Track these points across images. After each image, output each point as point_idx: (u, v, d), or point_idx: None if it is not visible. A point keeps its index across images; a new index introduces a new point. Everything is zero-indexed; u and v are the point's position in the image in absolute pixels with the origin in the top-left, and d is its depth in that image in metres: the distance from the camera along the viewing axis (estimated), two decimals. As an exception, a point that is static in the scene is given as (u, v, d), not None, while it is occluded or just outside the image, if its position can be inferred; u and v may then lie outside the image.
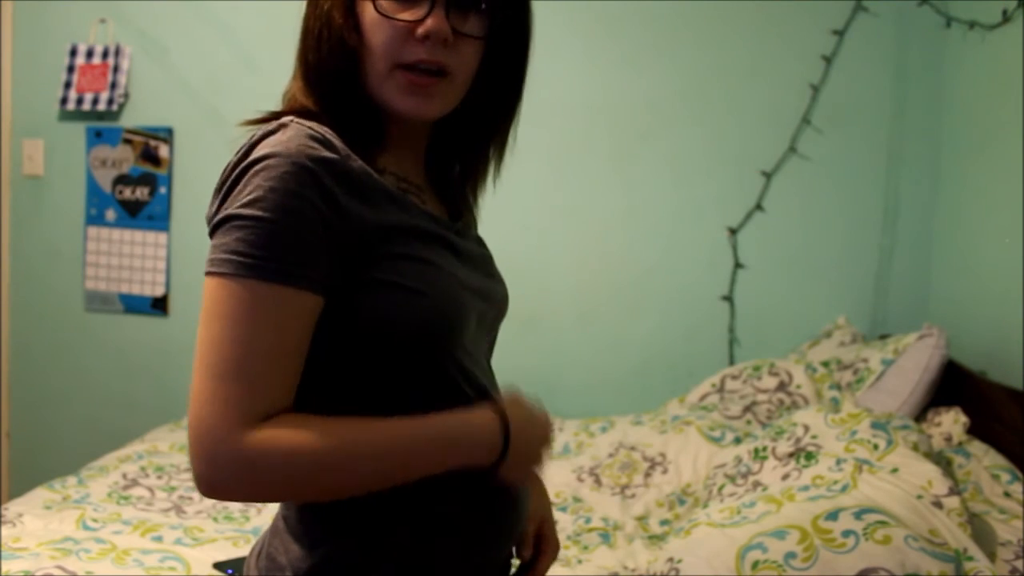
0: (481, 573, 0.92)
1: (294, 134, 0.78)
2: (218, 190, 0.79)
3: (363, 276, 0.79)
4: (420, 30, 0.82)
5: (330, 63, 0.85)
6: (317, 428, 0.76)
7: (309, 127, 0.79)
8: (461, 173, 1.00)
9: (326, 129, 0.81)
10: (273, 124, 0.80)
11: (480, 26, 0.87)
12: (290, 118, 0.81)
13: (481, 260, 0.97)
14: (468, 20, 0.85)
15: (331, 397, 0.82)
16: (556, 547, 1.05)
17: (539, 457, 0.89)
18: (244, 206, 0.75)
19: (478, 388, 0.89)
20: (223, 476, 0.74)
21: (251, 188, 0.76)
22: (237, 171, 0.78)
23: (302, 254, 0.75)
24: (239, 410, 0.73)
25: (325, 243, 0.77)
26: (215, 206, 0.79)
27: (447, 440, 0.81)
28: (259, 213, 0.75)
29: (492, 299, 0.95)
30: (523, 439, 0.85)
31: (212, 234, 0.78)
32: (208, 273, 0.76)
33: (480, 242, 1.02)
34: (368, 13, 0.84)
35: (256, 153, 0.77)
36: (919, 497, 1.50)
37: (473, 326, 0.89)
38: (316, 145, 0.78)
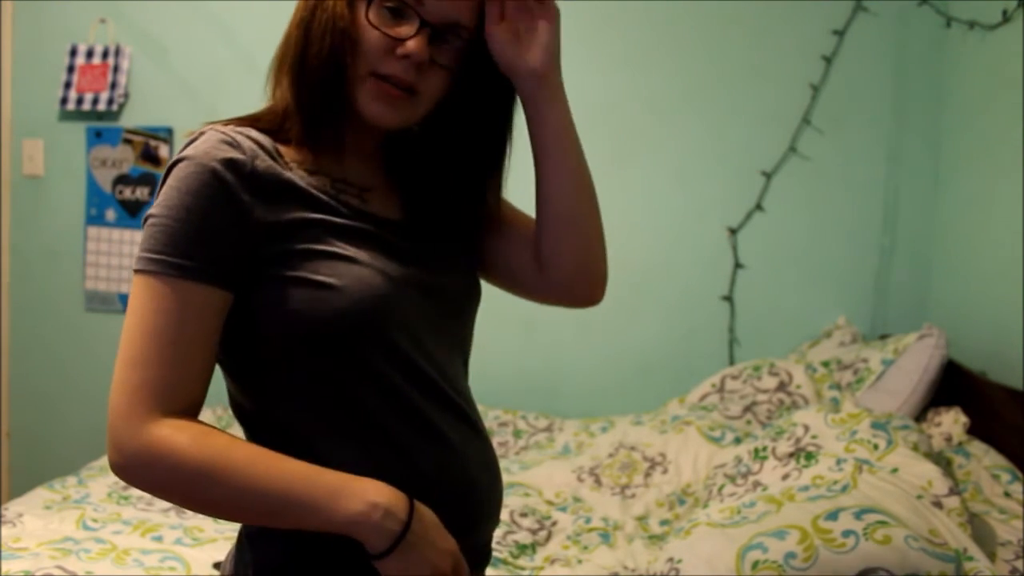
0: None
1: (207, 138, 0.84)
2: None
3: (275, 272, 0.84)
4: (401, 49, 0.87)
5: (330, 55, 0.87)
6: (214, 446, 0.80)
7: (223, 132, 0.85)
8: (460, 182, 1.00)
9: (245, 132, 0.86)
10: (196, 132, 0.86)
11: (453, 59, 0.91)
12: (213, 125, 0.86)
13: (429, 256, 0.95)
14: (444, 51, 0.90)
15: (268, 398, 0.88)
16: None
17: (434, 567, 0.83)
18: (155, 206, 0.83)
19: (424, 383, 0.90)
20: (126, 463, 0.80)
21: (163, 189, 0.83)
22: (163, 177, 0.85)
23: (201, 249, 0.81)
24: (142, 398, 0.79)
25: (227, 239, 0.82)
26: None
27: (336, 495, 0.80)
28: (163, 212, 0.82)
29: (436, 293, 0.94)
30: (424, 539, 0.82)
31: None
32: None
33: (444, 243, 0.99)
34: (361, 16, 0.88)
35: (173, 159, 0.85)
36: (919, 497, 1.50)
37: (412, 320, 0.90)
38: (223, 147, 0.83)
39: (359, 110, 0.90)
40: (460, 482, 0.92)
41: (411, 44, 0.87)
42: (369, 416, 0.88)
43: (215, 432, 0.81)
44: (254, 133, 0.87)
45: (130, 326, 0.81)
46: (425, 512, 0.84)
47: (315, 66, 0.88)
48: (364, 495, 0.81)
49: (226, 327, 0.85)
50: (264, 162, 0.85)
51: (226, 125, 0.87)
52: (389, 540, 0.80)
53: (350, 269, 0.85)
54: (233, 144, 0.84)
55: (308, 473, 0.81)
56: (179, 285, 0.80)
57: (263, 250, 0.84)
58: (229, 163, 0.82)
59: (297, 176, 0.87)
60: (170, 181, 0.82)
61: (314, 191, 0.88)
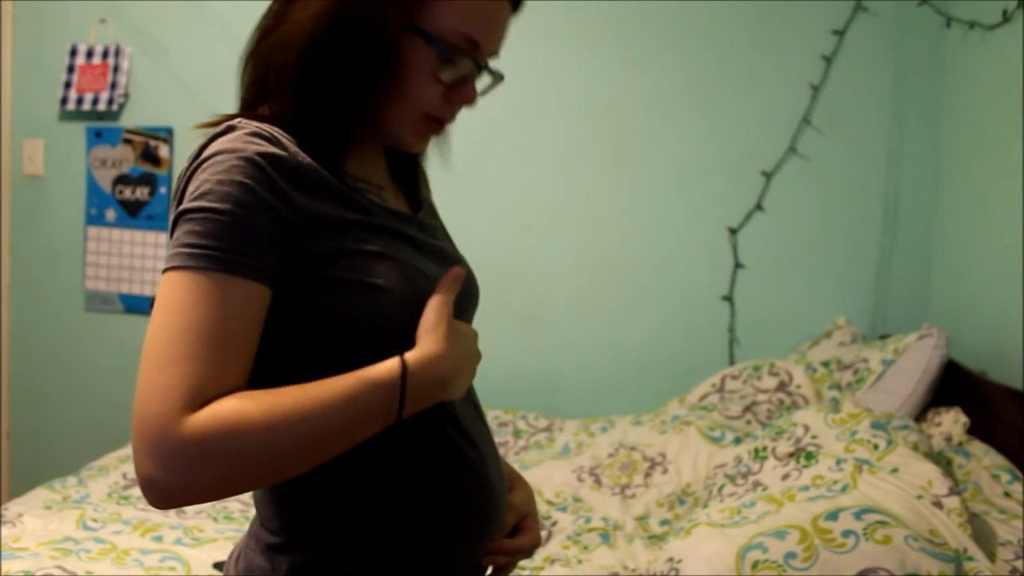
0: (456, 572, 0.91)
1: (241, 133, 0.79)
2: (173, 195, 0.80)
3: (321, 274, 0.79)
4: (458, 97, 0.88)
5: (352, 71, 0.83)
6: (256, 397, 0.73)
7: (257, 126, 0.80)
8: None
9: (275, 129, 0.81)
10: (222, 126, 0.81)
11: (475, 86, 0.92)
12: (239, 120, 0.81)
13: (443, 253, 0.96)
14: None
15: None
16: (535, 540, 1.02)
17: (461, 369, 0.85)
18: (193, 200, 0.76)
19: None
20: (173, 471, 0.69)
21: (199, 183, 0.76)
22: (188, 172, 0.79)
23: (249, 243, 0.75)
24: (179, 395, 0.70)
25: (274, 235, 0.77)
26: (171, 210, 0.79)
27: (360, 394, 0.77)
28: (206, 204, 0.75)
29: (459, 291, 0.94)
30: (431, 368, 0.81)
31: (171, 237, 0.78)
32: (163, 271, 0.76)
33: (444, 233, 1.02)
34: (417, 58, 0.84)
35: (205, 153, 0.78)
36: (919, 497, 1.50)
37: None
38: (263, 142, 0.79)
39: (402, 143, 0.90)
40: (482, 488, 0.91)
41: (469, 94, 0.88)
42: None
43: (248, 392, 0.74)
44: (280, 130, 0.82)
45: (163, 324, 0.73)
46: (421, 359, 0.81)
47: (331, 75, 0.83)
48: (381, 373, 0.78)
49: None
50: (305, 159, 0.81)
51: (247, 119, 0.81)
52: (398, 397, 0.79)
53: (395, 270, 0.83)
54: (271, 139, 0.79)
55: (336, 382, 0.76)
56: (225, 280, 0.73)
57: (308, 249, 0.79)
58: (272, 158, 0.78)
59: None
60: (206, 176, 0.76)
61: (348, 190, 0.85)
